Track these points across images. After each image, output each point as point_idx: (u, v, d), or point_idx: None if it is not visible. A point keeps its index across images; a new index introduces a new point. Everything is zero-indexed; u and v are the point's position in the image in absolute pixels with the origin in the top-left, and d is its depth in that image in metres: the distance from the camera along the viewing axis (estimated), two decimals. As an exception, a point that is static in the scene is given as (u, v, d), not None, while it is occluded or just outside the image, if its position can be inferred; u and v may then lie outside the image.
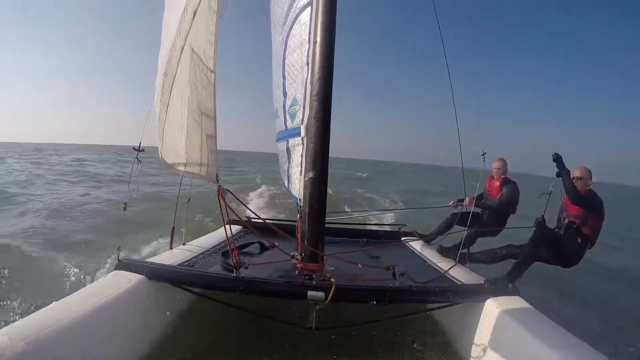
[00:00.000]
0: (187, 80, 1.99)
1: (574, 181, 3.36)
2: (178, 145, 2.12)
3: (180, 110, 2.04)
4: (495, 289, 2.75)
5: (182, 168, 2.16)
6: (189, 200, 3.70)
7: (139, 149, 2.51)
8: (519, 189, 4.24)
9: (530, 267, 3.39)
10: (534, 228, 3.44)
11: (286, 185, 3.58)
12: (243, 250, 3.33)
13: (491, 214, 4.33)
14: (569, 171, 3.33)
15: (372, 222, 6.82)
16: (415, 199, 14.12)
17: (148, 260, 2.78)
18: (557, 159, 3.34)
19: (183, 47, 1.88)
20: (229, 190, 2.28)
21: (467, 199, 4.22)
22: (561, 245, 3.37)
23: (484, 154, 3.86)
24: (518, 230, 3.87)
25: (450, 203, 4.53)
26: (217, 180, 2.18)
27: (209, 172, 2.15)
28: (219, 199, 2.21)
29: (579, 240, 3.36)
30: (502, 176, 4.34)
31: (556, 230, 3.52)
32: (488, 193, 4.46)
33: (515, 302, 2.59)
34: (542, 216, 3.32)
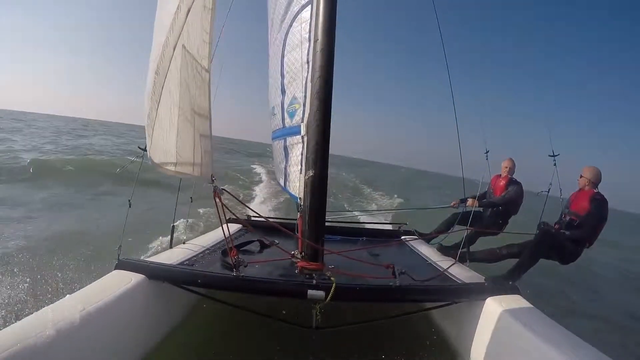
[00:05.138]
0: (177, 78, 1.97)
1: (579, 179, 3.47)
2: (167, 144, 2.09)
3: (170, 108, 2.02)
4: (496, 287, 2.73)
5: (172, 167, 2.12)
6: (191, 200, 3.71)
7: (144, 149, 2.46)
8: (523, 190, 4.25)
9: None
10: (536, 233, 3.45)
11: (282, 183, 3.56)
12: (243, 249, 3.32)
13: (493, 214, 4.31)
14: None
15: (372, 221, 6.81)
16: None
17: (148, 259, 2.78)
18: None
19: (175, 45, 1.86)
20: (225, 190, 2.26)
21: (469, 200, 4.22)
22: (561, 244, 3.40)
23: (487, 152, 3.87)
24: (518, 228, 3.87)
25: (452, 203, 4.52)
26: (213, 180, 2.16)
27: (203, 172, 2.11)
28: (214, 199, 2.20)
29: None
30: (509, 176, 4.35)
31: (557, 226, 3.52)
32: (492, 191, 4.45)
33: (516, 300, 2.57)
34: (545, 222, 3.33)
